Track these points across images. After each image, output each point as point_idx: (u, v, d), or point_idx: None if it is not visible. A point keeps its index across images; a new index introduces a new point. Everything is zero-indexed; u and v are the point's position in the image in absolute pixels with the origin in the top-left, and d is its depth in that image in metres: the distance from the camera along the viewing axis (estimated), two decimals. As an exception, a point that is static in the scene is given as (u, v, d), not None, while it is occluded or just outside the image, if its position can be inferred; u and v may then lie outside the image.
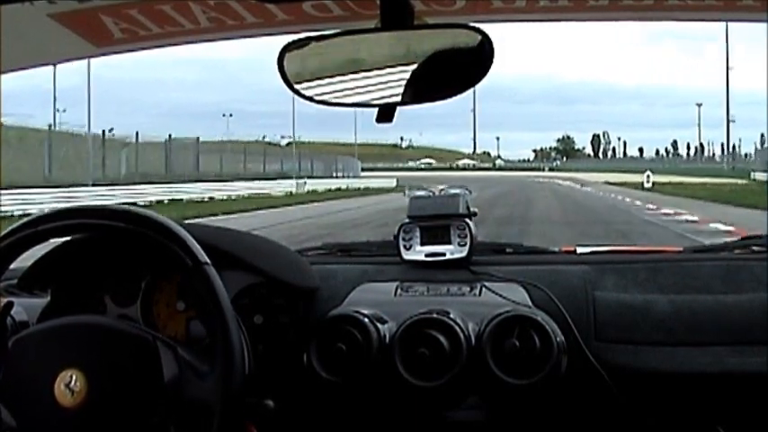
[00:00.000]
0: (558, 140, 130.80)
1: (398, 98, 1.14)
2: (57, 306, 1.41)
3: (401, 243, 1.62)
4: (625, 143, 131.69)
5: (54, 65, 1.39)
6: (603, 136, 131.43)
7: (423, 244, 1.61)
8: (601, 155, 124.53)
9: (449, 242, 1.60)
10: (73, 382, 1.11)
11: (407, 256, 1.62)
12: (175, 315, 1.45)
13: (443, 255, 1.60)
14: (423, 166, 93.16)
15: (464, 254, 1.59)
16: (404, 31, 1.11)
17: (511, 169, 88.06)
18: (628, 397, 1.41)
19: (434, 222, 1.61)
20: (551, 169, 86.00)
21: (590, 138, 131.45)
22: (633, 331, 1.43)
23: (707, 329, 1.41)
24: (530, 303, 1.47)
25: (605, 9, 1.22)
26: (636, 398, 1.42)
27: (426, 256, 1.61)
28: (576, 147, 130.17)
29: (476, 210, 1.63)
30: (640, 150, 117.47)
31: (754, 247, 1.61)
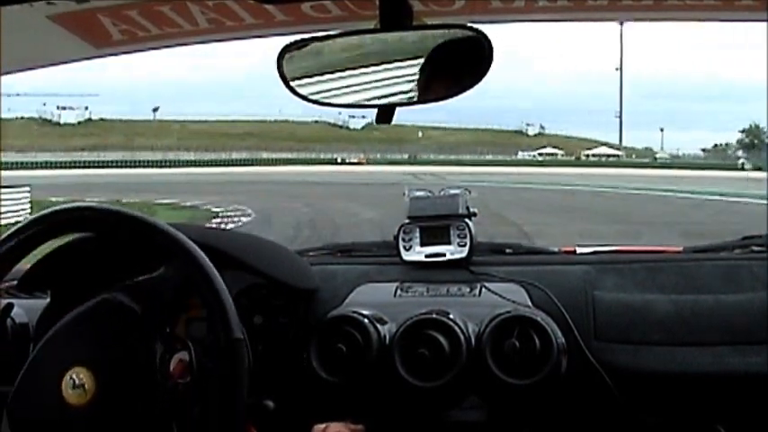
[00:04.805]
0: (743, 131, 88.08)
1: (398, 98, 1.14)
2: (57, 307, 1.41)
3: (401, 243, 1.62)
4: None
5: (53, 66, 1.39)
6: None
7: (422, 244, 1.61)
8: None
9: (448, 242, 1.60)
10: (79, 380, 1.12)
11: (407, 256, 1.61)
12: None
13: (443, 255, 1.60)
14: (540, 158, 68.64)
15: (464, 254, 1.59)
16: (403, 32, 1.11)
17: (682, 167, 51.22)
18: (628, 397, 1.41)
19: (434, 223, 1.61)
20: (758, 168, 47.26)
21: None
22: (633, 331, 1.43)
23: (707, 329, 1.41)
24: (530, 304, 1.47)
25: (605, 9, 1.22)
26: (636, 398, 1.42)
27: (426, 256, 1.60)
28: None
29: (476, 210, 1.63)
30: None
31: (754, 247, 1.61)
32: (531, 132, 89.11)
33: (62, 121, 76.43)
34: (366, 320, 1.44)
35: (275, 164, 57.91)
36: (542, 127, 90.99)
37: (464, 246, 1.59)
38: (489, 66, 1.08)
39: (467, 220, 1.61)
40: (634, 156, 73.44)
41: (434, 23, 1.14)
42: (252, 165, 56.86)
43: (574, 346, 1.41)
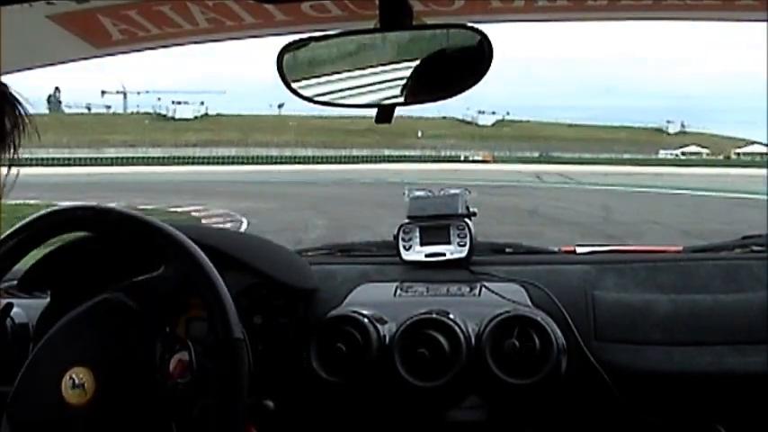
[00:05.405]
0: None
1: (398, 98, 1.14)
2: (57, 307, 1.41)
3: (401, 243, 1.62)
4: None
5: (53, 65, 1.39)
6: None
7: (422, 244, 1.61)
8: None
9: (448, 242, 1.60)
10: (79, 380, 1.12)
11: (407, 256, 1.61)
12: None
13: (443, 255, 1.60)
14: (683, 157, 61.53)
15: (464, 254, 1.59)
16: (403, 32, 1.11)
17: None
18: (628, 397, 1.41)
19: (434, 222, 1.61)
20: None
21: None
22: (633, 331, 1.43)
23: (707, 329, 1.41)
24: (529, 303, 1.47)
25: (604, 9, 1.22)
26: (636, 398, 1.42)
27: (426, 256, 1.60)
28: None
29: (475, 210, 1.63)
30: None
31: (754, 247, 1.61)
32: (671, 130, 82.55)
33: (177, 116, 74.79)
34: (366, 320, 1.44)
35: (395, 161, 54.87)
36: (683, 125, 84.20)
37: (464, 245, 1.59)
38: (489, 65, 1.08)
39: (467, 219, 1.61)
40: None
41: (434, 23, 1.14)
42: (370, 162, 54.68)
43: (574, 345, 1.41)
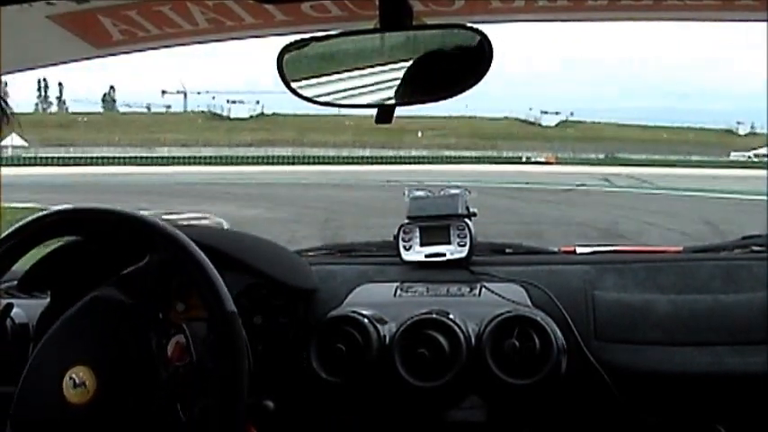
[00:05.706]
0: None
1: (398, 98, 1.14)
2: (57, 307, 1.41)
3: (401, 243, 1.62)
4: None
5: (53, 66, 1.39)
6: None
7: (422, 244, 1.61)
8: None
9: (448, 242, 1.60)
10: (79, 379, 1.12)
11: (407, 256, 1.61)
12: (176, 316, 1.46)
13: (443, 255, 1.60)
14: (756, 159, 56.92)
15: (464, 254, 1.59)
16: (403, 32, 1.11)
17: None
18: (628, 397, 1.41)
19: (434, 223, 1.61)
20: None
21: None
22: (633, 331, 1.43)
23: (707, 329, 1.41)
24: (529, 303, 1.47)
25: (604, 9, 1.22)
26: (636, 398, 1.42)
27: (426, 256, 1.60)
28: None
29: (475, 210, 1.63)
30: None
31: (754, 247, 1.61)
32: (741, 131, 78.42)
33: (232, 116, 73.03)
34: (366, 320, 1.44)
35: (453, 162, 53.33)
36: (753, 126, 79.27)
37: (464, 246, 1.59)
38: (489, 65, 1.08)
39: (467, 219, 1.61)
40: None
41: (434, 23, 1.14)
42: (426, 163, 53.55)
43: (574, 346, 1.42)
